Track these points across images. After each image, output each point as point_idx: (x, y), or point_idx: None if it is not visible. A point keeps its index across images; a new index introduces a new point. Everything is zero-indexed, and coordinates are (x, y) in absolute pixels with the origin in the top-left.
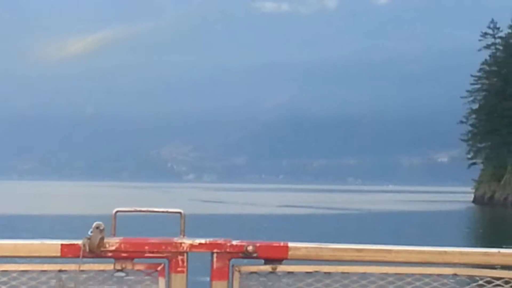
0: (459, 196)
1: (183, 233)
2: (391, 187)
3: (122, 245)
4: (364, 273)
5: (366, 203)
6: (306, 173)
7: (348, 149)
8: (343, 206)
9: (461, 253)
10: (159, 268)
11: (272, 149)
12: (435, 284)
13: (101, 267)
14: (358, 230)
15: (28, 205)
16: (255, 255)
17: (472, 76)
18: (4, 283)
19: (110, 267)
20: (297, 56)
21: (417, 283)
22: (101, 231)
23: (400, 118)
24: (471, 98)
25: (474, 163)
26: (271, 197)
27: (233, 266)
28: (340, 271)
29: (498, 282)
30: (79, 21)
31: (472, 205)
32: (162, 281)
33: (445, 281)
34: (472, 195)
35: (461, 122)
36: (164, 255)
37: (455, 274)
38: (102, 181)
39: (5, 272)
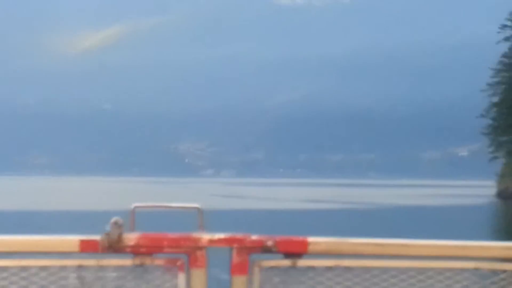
0: (480, 190)
1: (202, 228)
2: (411, 181)
3: (141, 241)
4: (384, 267)
5: (386, 197)
6: (325, 168)
7: (367, 144)
8: (362, 200)
9: (482, 247)
10: (178, 263)
11: (289, 144)
12: (456, 278)
13: (120, 262)
14: (378, 225)
15: (43, 201)
16: (274, 250)
17: (491, 69)
18: (24, 278)
19: (129, 262)
20: (313, 49)
21: (438, 277)
22: (120, 226)
23: (420, 112)
24: (491, 92)
25: (495, 157)
26: (289, 192)
27: (252, 261)
28: (360, 265)
29: None
30: (90, 16)
31: (494, 199)
32: (181, 276)
33: (466, 275)
34: (494, 189)
35: (482, 115)
36: (183, 250)
37: (476, 268)
38: (119, 176)
39: (24, 267)
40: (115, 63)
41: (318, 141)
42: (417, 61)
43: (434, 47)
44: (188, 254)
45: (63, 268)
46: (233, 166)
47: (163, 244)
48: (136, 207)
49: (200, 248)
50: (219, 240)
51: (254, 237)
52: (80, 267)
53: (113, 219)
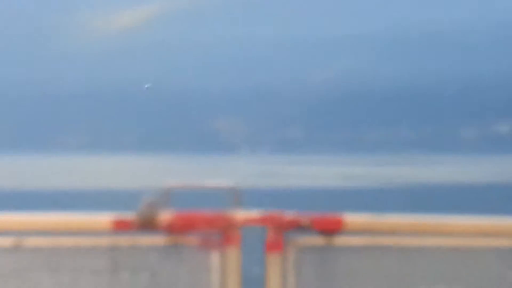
0: None
1: (237, 206)
2: (451, 158)
3: (175, 219)
4: (421, 245)
5: (425, 175)
6: (363, 145)
7: (405, 121)
8: (400, 178)
9: None
10: (212, 242)
11: (328, 121)
12: (494, 256)
13: (154, 241)
14: (415, 202)
15: (80, 179)
16: (309, 227)
17: None
18: (57, 257)
19: (162, 241)
20: (353, 26)
21: (475, 255)
22: (154, 205)
23: (459, 88)
24: None
25: None
26: (327, 170)
27: (287, 239)
28: (396, 243)
29: None
30: None
31: None
32: (216, 255)
33: (504, 253)
34: None
35: None
36: (218, 229)
37: None
38: (155, 154)
39: (57, 247)
40: (153, 41)
41: (357, 119)
42: (457, 38)
43: (474, 23)
44: (223, 233)
45: (95, 247)
46: (270, 144)
47: (197, 223)
48: (170, 185)
49: (235, 226)
50: (254, 218)
51: (289, 215)
52: (113, 246)
53: (147, 197)
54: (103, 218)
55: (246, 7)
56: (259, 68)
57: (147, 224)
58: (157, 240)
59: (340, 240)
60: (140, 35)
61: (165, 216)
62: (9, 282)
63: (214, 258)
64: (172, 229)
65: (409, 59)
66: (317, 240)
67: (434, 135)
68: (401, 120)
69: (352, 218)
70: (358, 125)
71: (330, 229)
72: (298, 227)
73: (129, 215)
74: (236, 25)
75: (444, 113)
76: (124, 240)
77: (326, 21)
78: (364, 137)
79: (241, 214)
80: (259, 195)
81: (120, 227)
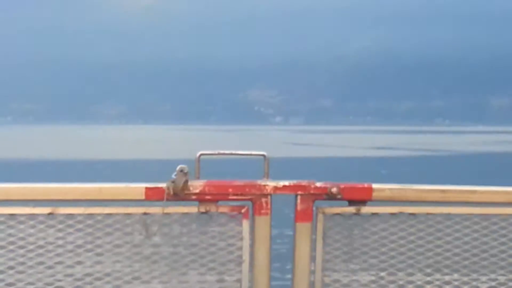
0: None
1: (267, 175)
2: (480, 128)
3: (206, 188)
4: (448, 213)
5: (454, 144)
6: (393, 115)
7: (436, 90)
8: (430, 147)
9: None
10: (243, 211)
11: (359, 91)
12: None
13: (185, 209)
14: (445, 171)
15: (114, 149)
16: (339, 196)
17: None
18: (90, 225)
19: (194, 209)
20: None
21: (503, 223)
22: (185, 174)
23: (489, 57)
24: None
25: None
26: (358, 139)
27: (317, 208)
28: (424, 212)
29: None
30: None
31: None
32: (246, 223)
33: None
34: None
35: None
36: (248, 197)
37: None
38: (189, 124)
39: (91, 215)
40: (186, 13)
41: (388, 88)
42: (488, 7)
43: None
44: (253, 201)
45: (128, 215)
46: (302, 114)
47: (228, 191)
48: (201, 154)
49: (265, 195)
50: (284, 187)
51: (319, 184)
52: (145, 214)
53: (179, 166)
54: (136, 187)
55: None
56: (292, 37)
57: (179, 193)
58: (189, 208)
59: (370, 209)
60: (172, 8)
61: (197, 184)
62: (44, 250)
63: (245, 226)
64: (203, 197)
65: (440, 30)
66: (346, 208)
67: (464, 104)
68: (432, 90)
69: (381, 187)
70: (389, 95)
71: (359, 198)
72: (328, 195)
73: (161, 184)
74: None
75: (474, 83)
76: (156, 208)
77: None
78: (396, 106)
79: (271, 183)
80: (291, 164)
81: (152, 195)
